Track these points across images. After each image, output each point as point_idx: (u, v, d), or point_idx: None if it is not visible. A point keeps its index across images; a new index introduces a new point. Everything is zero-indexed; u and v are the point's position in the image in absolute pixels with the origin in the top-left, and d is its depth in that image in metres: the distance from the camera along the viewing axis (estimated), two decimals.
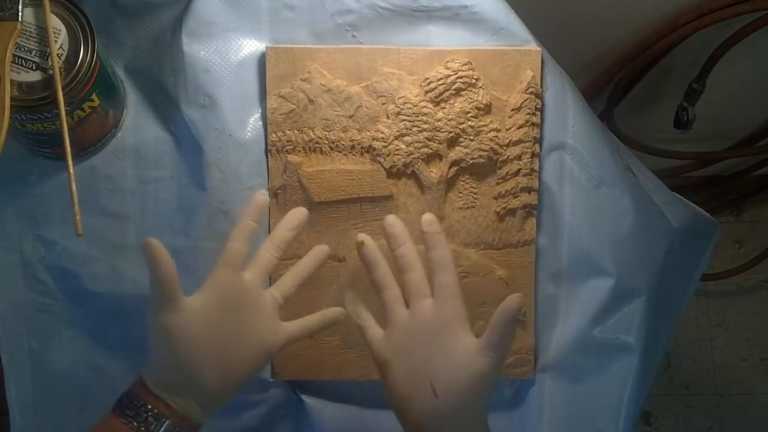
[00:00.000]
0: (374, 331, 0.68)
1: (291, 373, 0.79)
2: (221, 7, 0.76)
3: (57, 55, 0.67)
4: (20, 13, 0.66)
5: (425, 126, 0.77)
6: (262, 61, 0.77)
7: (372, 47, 0.77)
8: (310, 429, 0.80)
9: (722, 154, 1.42)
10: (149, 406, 0.60)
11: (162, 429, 0.60)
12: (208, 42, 0.75)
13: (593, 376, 0.81)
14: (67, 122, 0.70)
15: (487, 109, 0.78)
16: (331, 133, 0.77)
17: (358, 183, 0.78)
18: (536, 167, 0.79)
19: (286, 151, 0.77)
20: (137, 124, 0.77)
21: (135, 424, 0.60)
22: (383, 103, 0.77)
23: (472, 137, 0.78)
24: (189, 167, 0.77)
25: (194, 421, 0.62)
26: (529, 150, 0.79)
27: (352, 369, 0.79)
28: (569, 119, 0.80)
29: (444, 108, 0.78)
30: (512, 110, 0.78)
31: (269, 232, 0.77)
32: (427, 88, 0.77)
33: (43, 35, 0.67)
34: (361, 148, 0.78)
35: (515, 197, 0.79)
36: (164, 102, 0.77)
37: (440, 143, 0.78)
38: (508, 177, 0.79)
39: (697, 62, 1.08)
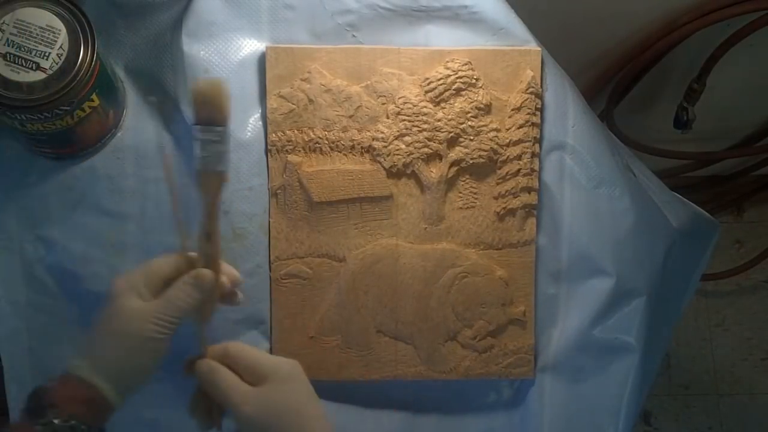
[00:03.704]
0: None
1: None
2: (221, 7, 0.76)
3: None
4: (227, 164, 0.60)
5: (425, 126, 0.77)
6: (262, 61, 0.77)
7: (372, 47, 0.77)
8: None
9: (722, 154, 1.41)
10: (57, 410, 0.58)
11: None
12: (208, 42, 0.75)
13: (593, 376, 0.81)
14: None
15: (487, 109, 0.78)
16: (331, 133, 0.77)
17: (358, 183, 0.78)
18: (536, 167, 0.79)
19: (286, 151, 0.77)
20: (137, 124, 0.77)
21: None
22: (383, 103, 0.77)
23: (472, 137, 0.78)
24: (189, 167, 0.77)
25: (109, 403, 0.60)
26: (529, 150, 0.79)
27: (352, 369, 0.79)
28: (569, 119, 0.80)
29: (444, 108, 0.78)
30: (512, 110, 0.78)
31: (269, 233, 0.77)
32: (427, 88, 0.77)
33: (43, 35, 0.67)
34: (361, 148, 0.78)
35: (515, 197, 0.79)
36: (164, 102, 0.77)
37: (440, 143, 0.78)
38: (508, 177, 0.79)
39: (697, 62, 1.08)
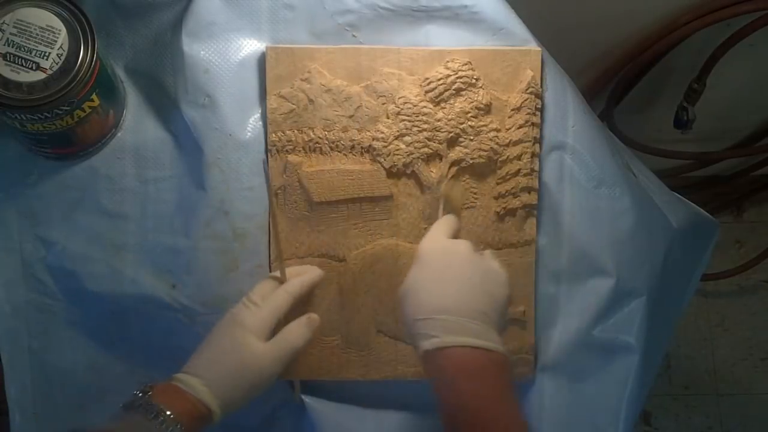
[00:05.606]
0: None
1: (291, 373, 0.79)
2: (221, 7, 0.76)
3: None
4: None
5: (425, 126, 0.77)
6: (262, 61, 0.77)
7: (372, 47, 0.77)
8: (310, 429, 0.80)
9: (722, 154, 1.42)
10: (167, 413, 0.63)
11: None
12: (208, 42, 0.75)
13: (593, 376, 0.81)
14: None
15: (487, 109, 0.78)
16: (331, 133, 0.77)
17: (358, 183, 0.78)
18: (536, 167, 0.79)
19: (286, 151, 0.77)
20: (137, 124, 0.78)
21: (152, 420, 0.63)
22: (383, 103, 0.77)
23: (472, 137, 0.78)
24: (189, 167, 0.77)
25: (212, 420, 0.67)
26: (529, 150, 0.79)
27: (352, 369, 0.79)
28: (569, 119, 0.80)
29: (444, 108, 0.78)
30: (512, 110, 0.78)
31: (269, 232, 0.77)
32: (427, 88, 0.77)
33: (43, 35, 0.67)
34: (361, 148, 0.78)
35: (515, 197, 0.79)
36: (164, 102, 0.77)
37: (440, 143, 0.78)
38: (508, 177, 0.79)
39: (697, 62, 1.08)
